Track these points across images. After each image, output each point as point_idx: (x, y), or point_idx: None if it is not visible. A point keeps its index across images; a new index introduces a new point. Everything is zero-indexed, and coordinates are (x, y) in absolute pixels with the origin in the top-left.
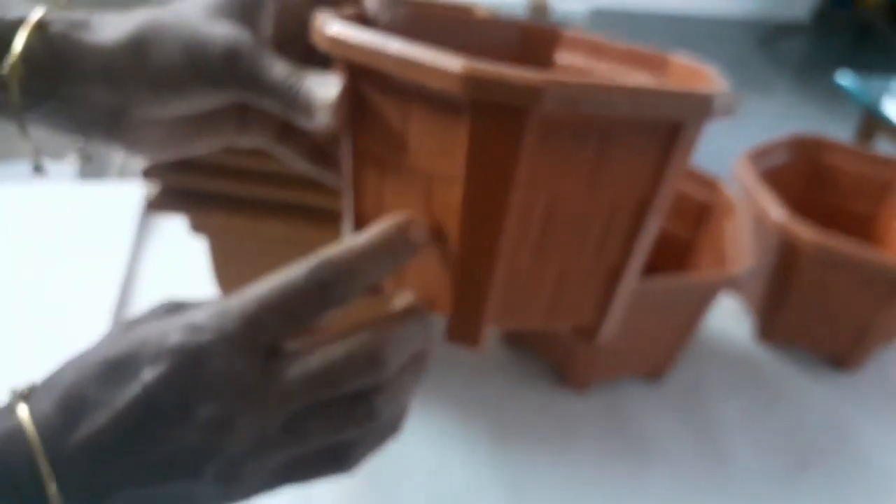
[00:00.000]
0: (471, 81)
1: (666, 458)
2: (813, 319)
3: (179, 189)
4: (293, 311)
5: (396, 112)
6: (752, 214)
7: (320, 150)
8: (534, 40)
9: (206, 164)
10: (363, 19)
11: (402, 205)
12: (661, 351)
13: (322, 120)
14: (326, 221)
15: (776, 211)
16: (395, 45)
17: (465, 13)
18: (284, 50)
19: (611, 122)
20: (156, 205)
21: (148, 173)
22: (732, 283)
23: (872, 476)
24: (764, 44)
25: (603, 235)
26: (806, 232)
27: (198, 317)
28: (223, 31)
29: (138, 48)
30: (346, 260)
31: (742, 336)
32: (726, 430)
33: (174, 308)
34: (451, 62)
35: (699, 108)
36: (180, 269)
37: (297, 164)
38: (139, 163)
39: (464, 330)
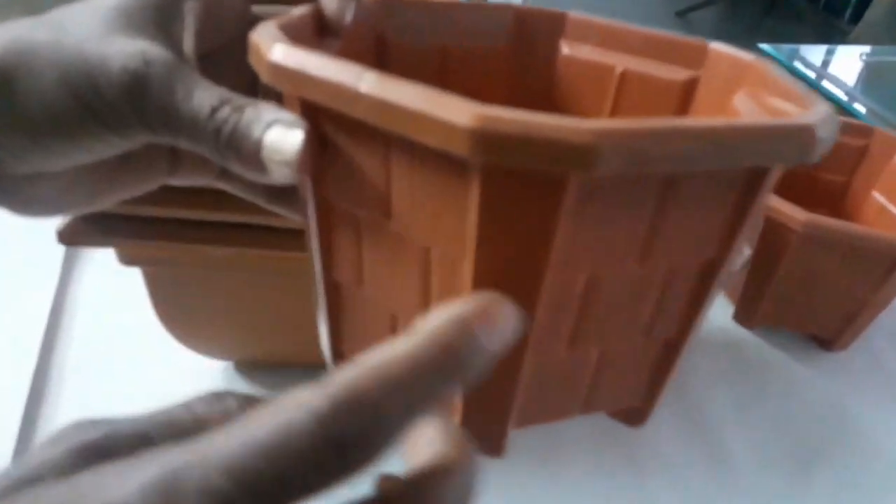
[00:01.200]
0: (486, 139)
1: (664, 461)
2: (799, 301)
3: (96, 215)
4: (297, 477)
5: (375, 165)
6: None
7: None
8: (532, 27)
9: None
10: (319, 21)
11: (388, 280)
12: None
13: (278, 178)
14: (275, 240)
15: None
16: (369, 82)
17: (436, 1)
18: (216, 67)
19: (678, 173)
20: (68, 237)
21: None
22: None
23: (875, 459)
24: (678, 16)
25: (657, 308)
26: (795, 212)
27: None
28: (122, 51)
29: (2, 87)
30: (383, 394)
31: (724, 322)
32: (719, 422)
33: (99, 449)
34: (454, 110)
35: (802, 148)
36: (116, 302)
37: (250, 199)
38: None
39: (481, 441)
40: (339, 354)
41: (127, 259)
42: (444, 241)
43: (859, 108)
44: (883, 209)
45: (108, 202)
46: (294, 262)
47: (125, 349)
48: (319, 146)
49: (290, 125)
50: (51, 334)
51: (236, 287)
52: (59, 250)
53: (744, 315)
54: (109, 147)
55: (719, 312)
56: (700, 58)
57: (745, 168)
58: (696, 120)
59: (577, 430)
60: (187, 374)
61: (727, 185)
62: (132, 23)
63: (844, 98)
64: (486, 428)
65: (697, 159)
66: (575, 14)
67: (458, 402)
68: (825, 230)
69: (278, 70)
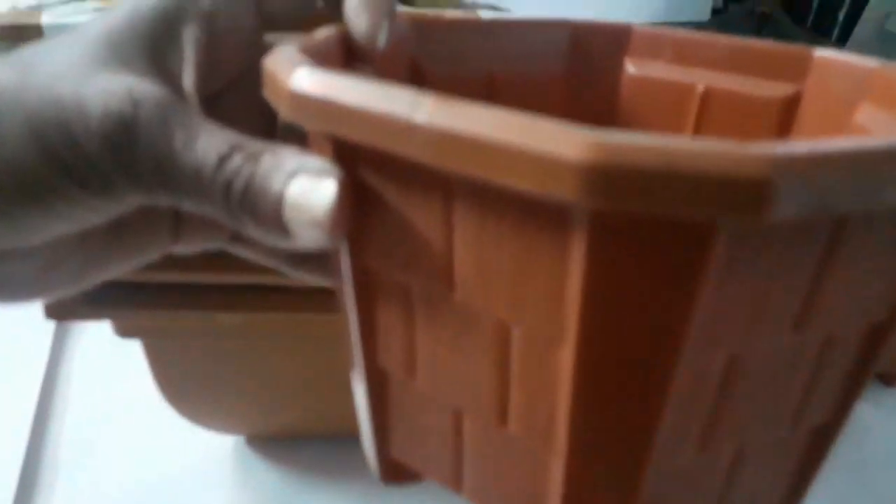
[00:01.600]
0: (606, 177)
1: None
2: None
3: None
4: None
5: (433, 220)
6: None
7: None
8: (591, 45)
9: None
10: (346, 46)
11: (451, 367)
12: None
13: (306, 242)
14: (289, 301)
15: None
16: (428, 109)
17: (479, 20)
18: (224, 107)
19: (850, 214)
20: (58, 312)
21: None
22: None
23: None
24: None
25: (809, 389)
26: None
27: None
28: (104, 90)
29: None
30: None
31: None
32: None
33: None
34: (557, 139)
35: None
36: (112, 376)
37: (270, 265)
38: None
39: None
40: (388, 463)
41: (124, 331)
42: (531, 317)
43: None
44: None
45: (98, 280)
46: (310, 324)
47: (125, 428)
48: (358, 199)
49: (319, 174)
50: (41, 415)
51: (247, 355)
52: (49, 323)
53: None
54: (93, 214)
55: None
56: (803, 68)
57: None
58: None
59: None
60: (194, 452)
61: None
62: (118, 55)
63: None
64: None
65: (890, 191)
66: (642, 27)
67: None
68: None
69: (302, 101)
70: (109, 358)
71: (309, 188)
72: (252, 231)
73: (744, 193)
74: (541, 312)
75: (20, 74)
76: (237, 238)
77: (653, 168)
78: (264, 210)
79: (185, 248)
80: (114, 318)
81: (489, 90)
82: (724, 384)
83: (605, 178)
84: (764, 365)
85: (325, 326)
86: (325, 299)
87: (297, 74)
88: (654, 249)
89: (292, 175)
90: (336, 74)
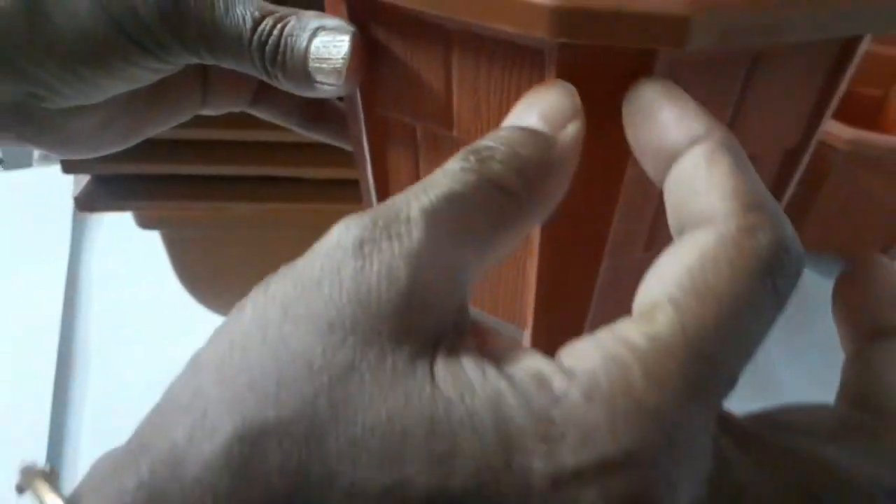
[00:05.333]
0: (572, 17)
1: None
2: (842, 223)
3: (112, 178)
4: None
5: (434, 67)
6: None
7: (316, 101)
8: None
9: (141, 144)
10: None
11: None
12: None
13: (327, 90)
14: (299, 193)
15: None
16: None
17: None
18: None
19: (767, 50)
20: (86, 203)
21: (68, 166)
22: None
23: None
24: None
25: None
26: (839, 129)
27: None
28: None
29: (33, 9)
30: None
31: None
32: (767, 352)
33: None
34: None
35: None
36: (133, 267)
37: (286, 125)
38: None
39: (557, 346)
40: None
41: (145, 222)
42: None
43: None
44: None
45: (141, 137)
46: (319, 214)
47: (148, 315)
48: (370, 52)
49: (336, 31)
50: (69, 306)
51: (259, 244)
52: (67, 221)
53: None
54: (147, 74)
55: None
56: None
57: (836, 40)
58: None
59: None
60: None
61: (816, 60)
62: None
63: None
64: (560, 340)
65: (795, 28)
66: None
67: (529, 312)
68: (870, 147)
69: None
70: (126, 251)
71: (329, 42)
72: (283, 85)
73: (670, 27)
74: None
75: None
76: (256, 100)
77: (605, 10)
78: (293, 64)
79: (211, 109)
80: (136, 209)
81: None
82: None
83: (570, 18)
84: None
85: (333, 217)
86: (333, 191)
87: None
88: (608, 76)
89: (315, 33)
90: None
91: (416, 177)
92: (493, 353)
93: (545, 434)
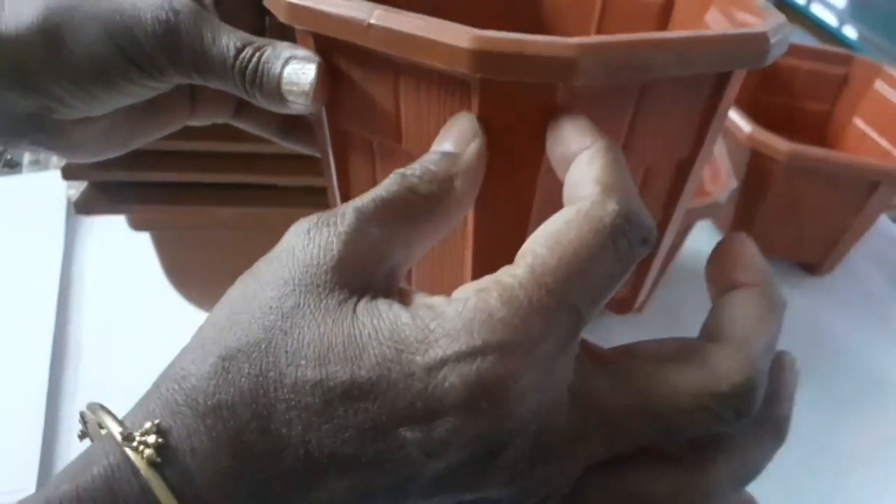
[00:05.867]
0: (484, 58)
1: None
2: (785, 229)
3: (107, 184)
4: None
5: (385, 92)
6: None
7: (290, 116)
8: None
9: (134, 153)
10: None
11: None
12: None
13: (297, 108)
14: (275, 199)
15: (745, 124)
16: (379, 14)
17: None
18: (228, 13)
19: (651, 81)
20: (84, 206)
21: (67, 172)
22: (713, 211)
23: (860, 377)
24: None
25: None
26: (779, 143)
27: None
28: (152, 3)
29: (50, 38)
30: None
31: None
32: None
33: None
34: (456, 35)
35: (756, 53)
36: (124, 267)
37: (264, 135)
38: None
39: None
40: None
41: (137, 224)
42: None
43: (850, 32)
44: (864, 136)
45: (138, 144)
46: (292, 217)
47: (137, 312)
48: (332, 78)
49: (305, 60)
50: (63, 304)
51: (243, 246)
52: (61, 223)
53: None
54: (145, 91)
55: (712, 244)
56: None
57: (710, 74)
58: (664, 33)
59: None
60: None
61: (695, 90)
62: None
63: (835, 22)
64: None
65: (666, 66)
66: None
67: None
68: (806, 159)
69: (295, 9)
70: (117, 253)
71: (299, 69)
72: (260, 102)
73: (563, 66)
74: None
75: None
76: (237, 113)
77: (511, 52)
78: (268, 86)
79: (199, 120)
80: (129, 212)
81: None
82: None
83: (484, 57)
84: None
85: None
86: (304, 197)
87: None
88: (521, 102)
89: (287, 61)
90: None
91: (373, 181)
92: (408, 299)
93: (424, 338)
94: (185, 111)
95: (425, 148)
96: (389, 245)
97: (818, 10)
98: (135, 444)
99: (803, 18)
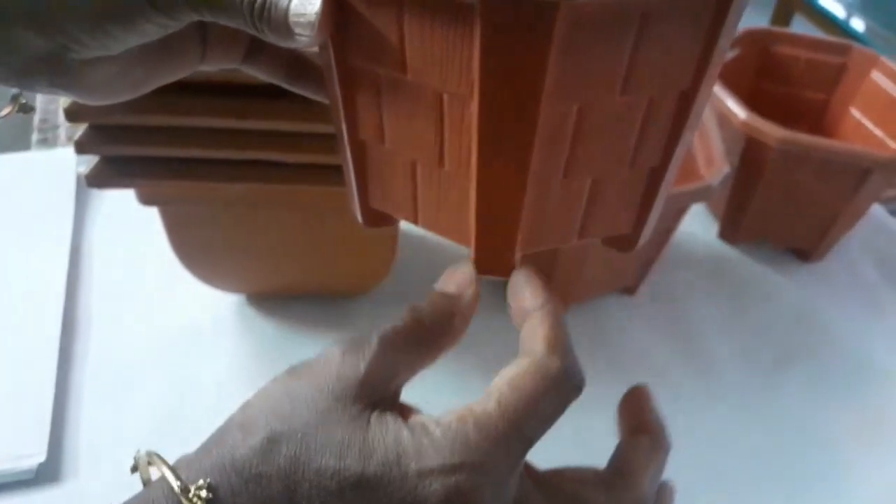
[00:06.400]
0: None
1: (651, 366)
2: (778, 215)
3: (119, 158)
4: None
5: (389, 22)
6: (715, 116)
7: (298, 62)
8: None
9: (145, 128)
10: None
11: (407, 130)
12: (641, 264)
13: (303, 40)
14: (283, 175)
15: (740, 111)
16: None
17: None
18: None
19: (651, 9)
20: (95, 180)
21: (81, 146)
22: (706, 194)
23: (849, 362)
24: None
25: (641, 137)
26: (772, 129)
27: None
28: None
29: None
30: None
31: (709, 239)
32: (705, 333)
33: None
34: None
35: None
36: (131, 242)
37: (273, 81)
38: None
39: (493, 262)
40: (368, 212)
41: (146, 199)
42: (454, 84)
43: (857, 24)
44: (860, 125)
45: (150, 87)
46: (301, 195)
47: (145, 285)
48: (338, 9)
49: None
50: (73, 277)
51: (249, 223)
52: (70, 199)
53: (728, 232)
54: (159, 29)
55: (705, 230)
56: None
57: (710, 1)
58: None
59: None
60: (203, 307)
61: (695, 19)
62: None
63: (843, 14)
64: (496, 252)
65: None
66: None
67: (469, 230)
68: (800, 146)
69: None
70: (126, 227)
71: (304, 2)
72: (269, 37)
73: None
74: (459, 80)
75: None
76: (247, 58)
77: None
78: (276, 18)
79: (209, 65)
80: (138, 187)
81: None
82: (577, 129)
83: None
84: (606, 118)
85: (311, 196)
86: (312, 174)
87: None
88: (521, 27)
89: None
90: None
91: (379, 121)
92: (406, 414)
93: (418, 451)
94: (197, 55)
95: (430, 78)
96: (398, 368)
97: (826, 2)
98: (191, 495)
99: (811, 10)
